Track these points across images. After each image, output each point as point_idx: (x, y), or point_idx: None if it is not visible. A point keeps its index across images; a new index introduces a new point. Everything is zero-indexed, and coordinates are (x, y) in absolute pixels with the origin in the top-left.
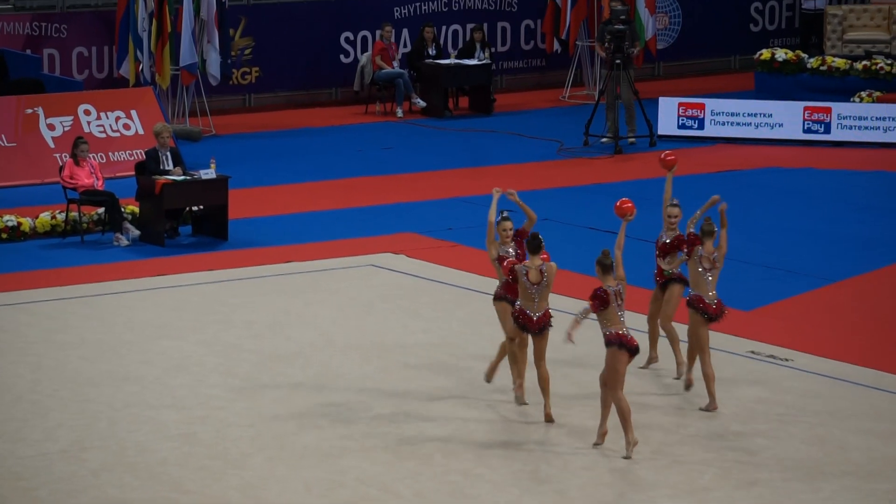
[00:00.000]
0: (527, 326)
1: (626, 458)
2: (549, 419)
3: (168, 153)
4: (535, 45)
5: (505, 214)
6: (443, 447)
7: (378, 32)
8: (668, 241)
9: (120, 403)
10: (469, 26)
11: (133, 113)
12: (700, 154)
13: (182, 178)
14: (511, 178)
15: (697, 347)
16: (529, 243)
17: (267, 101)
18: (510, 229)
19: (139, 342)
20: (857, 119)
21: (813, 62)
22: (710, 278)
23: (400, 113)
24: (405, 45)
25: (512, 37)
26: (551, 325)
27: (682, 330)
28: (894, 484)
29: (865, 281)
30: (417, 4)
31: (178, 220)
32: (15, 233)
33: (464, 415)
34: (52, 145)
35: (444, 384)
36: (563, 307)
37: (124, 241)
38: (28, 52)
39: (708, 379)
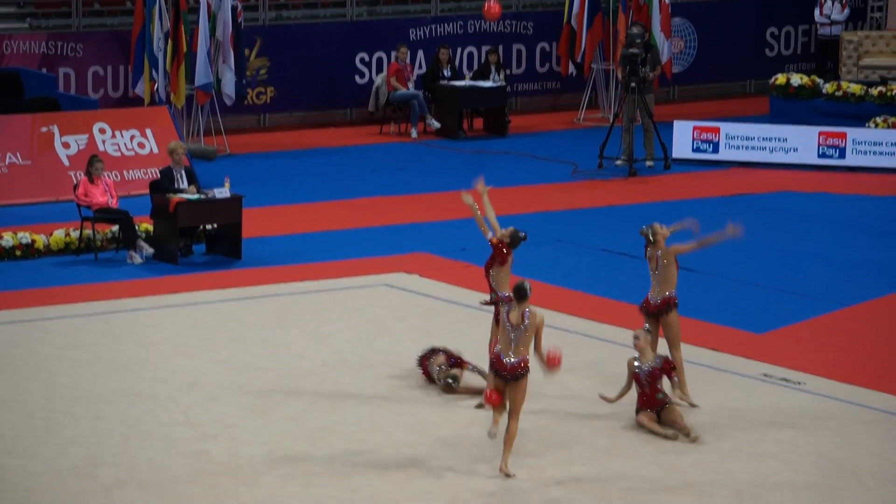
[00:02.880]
0: (498, 371)
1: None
2: (503, 473)
3: (182, 171)
4: (551, 68)
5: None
6: (454, 466)
7: (393, 53)
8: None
9: (132, 420)
10: (484, 48)
11: (148, 132)
12: (714, 178)
13: (196, 196)
14: (525, 200)
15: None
16: (516, 293)
17: (282, 121)
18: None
19: (152, 360)
20: (872, 144)
21: (828, 87)
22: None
23: (414, 134)
24: (420, 67)
25: (527, 59)
26: (523, 375)
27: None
28: None
29: (879, 305)
30: (433, 26)
31: (192, 239)
32: (29, 250)
33: (476, 435)
34: (66, 163)
35: (456, 403)
36: (576, 328)
37: (138, 259)
38: (44, 70)
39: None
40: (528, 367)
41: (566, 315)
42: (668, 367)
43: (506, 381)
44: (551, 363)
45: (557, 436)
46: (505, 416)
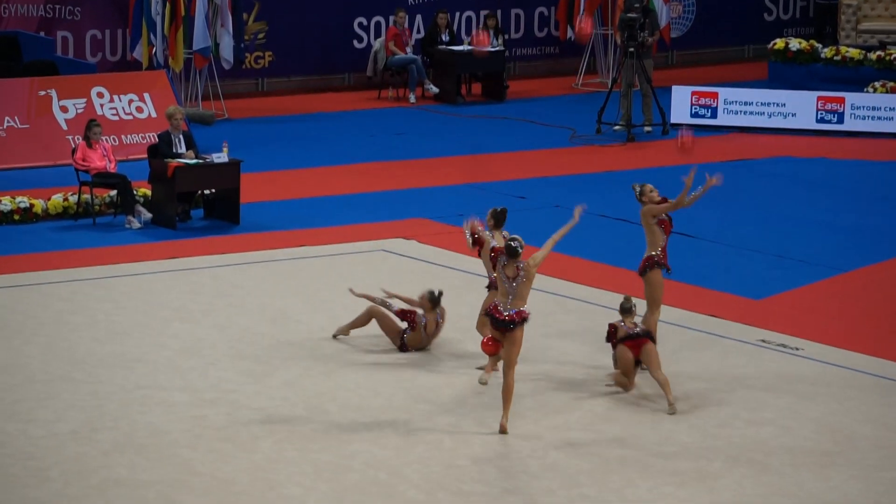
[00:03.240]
0: (495, 320)
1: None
2: (503, 431)
3: (181, 136)
4: (549, 33)
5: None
6: (452, 432)
7: (391, 18)
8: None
9: (131, 385)
10: (483, 13)
11: (146, 96)
12: (713, 143)
13: (194, 161)
14: (523, 165)
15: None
16: (507, 251)
17: (280, 86)
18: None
19: (151, 324)
20: (871, 109)
21: (827, 52)
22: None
23: (413, 99)
24: (419, 31)
25: (525, 24)
26: (520, 325)
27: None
28: None
29: (877, 271)
30: None
31: (190, 204)
32: (27, 214)
33: (473, 400)
34: (64, 127)
35: (455, 369)
36: (575, 294)
37: (136, 224)
38: (41, 34)
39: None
40: (524, 317)
41: (565, 281)
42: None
43: (502, 331)
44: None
45: (555, 401)
46: (500, 368)
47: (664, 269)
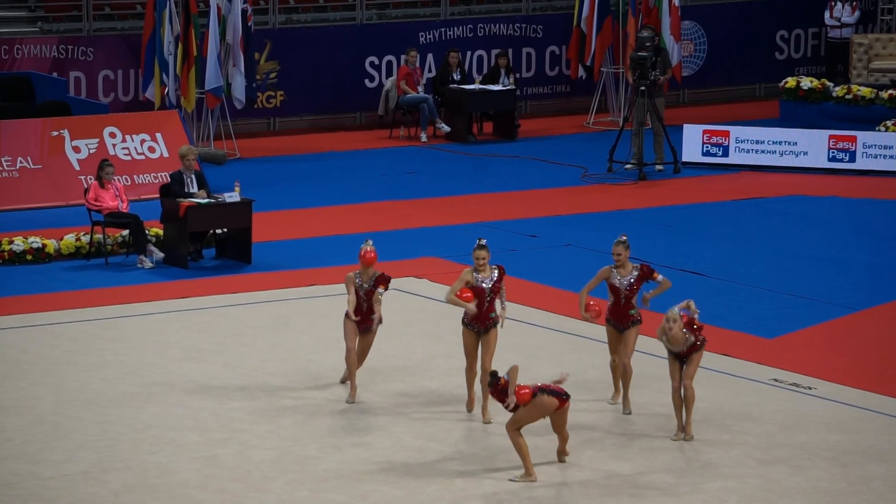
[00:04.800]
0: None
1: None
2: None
3: (193, 176)
4: (560, 71)
5: (482, 242)
6: (464, 472)
7: (403, 57)
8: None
9: (142, 425)
10: (494, 52)
11: (158, 136)
12: (724, 181)
13: (206, 201)
14: (535, 204)
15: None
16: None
17: (291, 125)
18: (482, 258)
19: (162, 364)
20: (883, 148)
21: (838, 91)
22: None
23: (424, 138)
24: (430, 70)
25: (537, 63)
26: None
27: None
28: None
29: (890, 310)
30: (442, 30)
31: (202, 243)
32: (39, 254)
33: (484, 441)
34: (77, 167)
35: (463, 408)
36: (586, 332)
37: (148, 264)
38: (54, 74)
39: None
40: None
41: (576, 320)
42: (648, 272)
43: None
44: None
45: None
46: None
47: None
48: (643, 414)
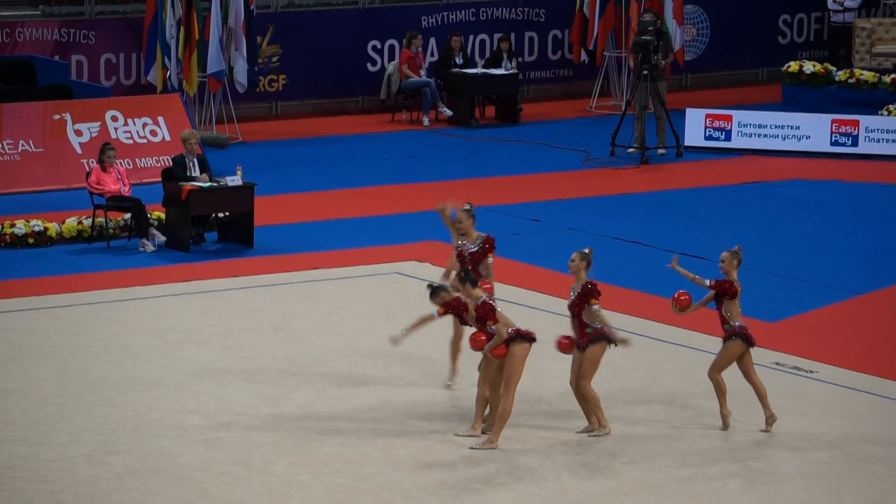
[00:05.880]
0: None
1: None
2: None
3: (195, 160)
4: (563, 56)
5: (465, 206)
6: (466, 455)
7: (405, 41)
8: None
9: (144, 408)
10: (496, 36)
11: (160, 119)
12: (727, 165)
13: (208, 184)
14: (537, 188)
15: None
16: (463, 277)
17: (293, 109)
18: (461, 221)
19: (164, 347)
20: (885, 132)
21: (841, 75)
22: None
23: (426, 122)
24: (432, 54)
25: (539, 47)
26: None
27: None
28: None
29: (892, 294)
30: (445, 14)
31: (204, 227)
32: (41, 238)
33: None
34: (79, 151)
35: (468, 392)
36: None
37: (150, 247)
38: (56, 58)
39: None
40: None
41: None
42: (590, 289)
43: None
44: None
45: (568, 439)
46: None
47: None
48: (643, 401)
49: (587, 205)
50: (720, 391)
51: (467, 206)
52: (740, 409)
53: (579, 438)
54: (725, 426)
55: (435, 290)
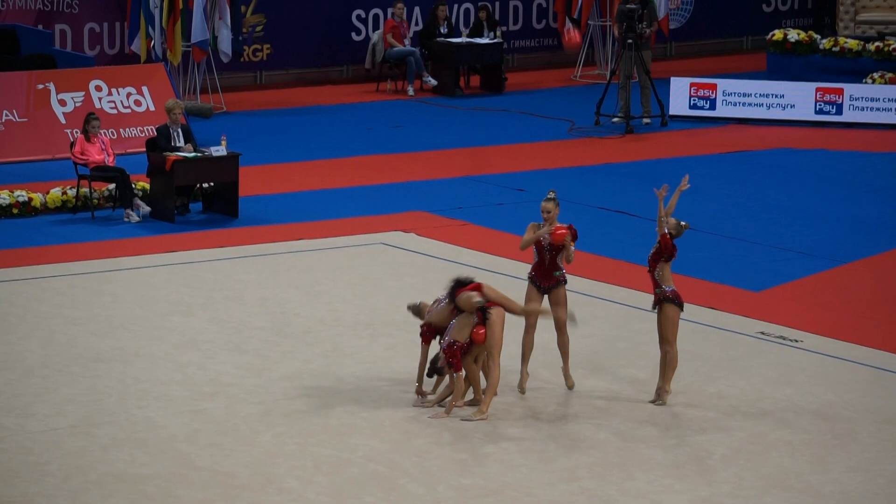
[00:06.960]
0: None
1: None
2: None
3: (179, 130)
4: (547, 24)
5: (550, 195)
6: (451, 426)
7: (390, 10)
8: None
9: (130, 379)
10: (480, 4)
11: (144, 89)
12: (711, 134)
13: (193, 154)
14: (522, 157)
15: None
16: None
17: (278, 79)
18: (548, 210)
19: (149, 318)
20: (870, 100)
21: (825, 43)
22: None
23: (411, 91)
24: (417, 24)
25: (524, 15)
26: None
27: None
28: None
29: (876, 262)
30: None
31: (189, 197)
32: (26, 208)
33: (472, 393)
34: (63, 121)
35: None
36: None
37: (135, 218)
38: (39, 27)
39: None
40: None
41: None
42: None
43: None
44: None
45: (556, 398)
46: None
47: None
48: (628, 371)
49: (572, 174)
50: (672, 367)
51: (551, 195)
52: (724, 380)
53: (563, 410)
54: (663, 401)
55: (435, 368)
